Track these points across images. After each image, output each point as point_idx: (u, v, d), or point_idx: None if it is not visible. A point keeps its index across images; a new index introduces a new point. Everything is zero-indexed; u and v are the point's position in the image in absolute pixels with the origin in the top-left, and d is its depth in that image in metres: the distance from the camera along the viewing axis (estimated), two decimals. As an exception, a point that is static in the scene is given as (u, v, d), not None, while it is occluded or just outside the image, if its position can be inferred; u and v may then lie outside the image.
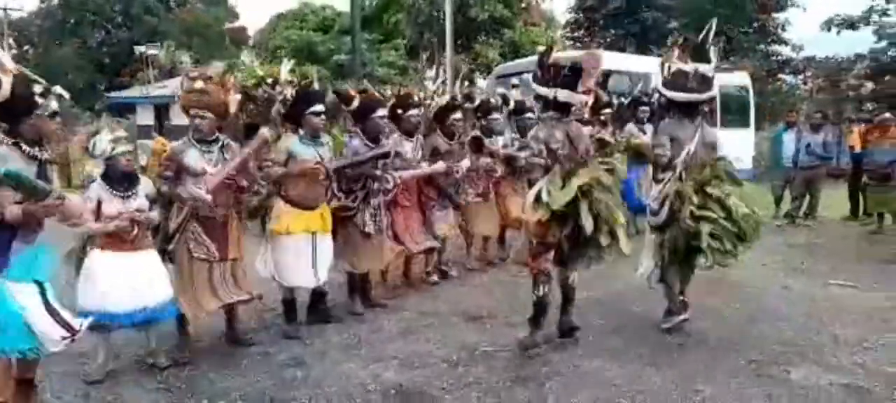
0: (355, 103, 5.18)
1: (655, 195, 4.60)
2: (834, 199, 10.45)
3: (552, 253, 4.17)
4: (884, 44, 18.85)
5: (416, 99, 5.91)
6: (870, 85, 18.80)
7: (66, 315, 3.24)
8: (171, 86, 21.09)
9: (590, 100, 4.68)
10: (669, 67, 4.62)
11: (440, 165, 5.81)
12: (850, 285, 5.98)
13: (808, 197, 9.72)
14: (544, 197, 3.90)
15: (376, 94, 5.72)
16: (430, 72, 20.61)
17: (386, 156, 5.16)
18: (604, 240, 4.01)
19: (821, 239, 8.42)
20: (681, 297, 4.70)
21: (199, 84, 4.07)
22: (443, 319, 5.06)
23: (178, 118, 19.97)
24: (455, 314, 5.19)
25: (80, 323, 3.28)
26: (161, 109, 20.91)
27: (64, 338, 3.16)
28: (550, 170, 3.99)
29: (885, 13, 18.70)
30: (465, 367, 4.04)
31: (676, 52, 4.64)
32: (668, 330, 4.60)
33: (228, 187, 4.17)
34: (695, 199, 4.31)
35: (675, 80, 4.57)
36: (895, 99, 14.81)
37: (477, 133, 5.94)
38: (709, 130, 4.70)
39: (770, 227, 9.44)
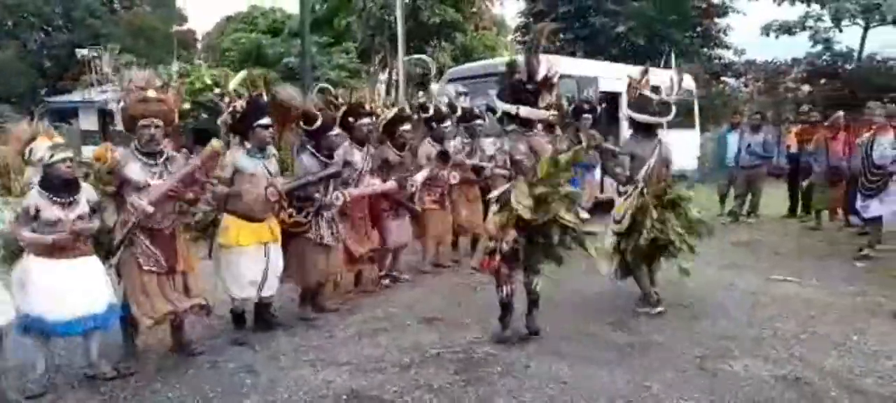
0: (317, 123, 5.08)
1: (618, 205, 5.15)
2: (774, 197, 10.83)
3: (512, 257, 4.29)
4: (819, 48, 19.62)
5: (368, 107, 5.88)
6: (806, 88, 19.56)
7: None
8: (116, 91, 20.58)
9: (550, 115, 4.79)
10: (635, 91, 5.23)
11: (390, 184, 5.81)
12: (791, 280, 6.21)
13: (749, 195, 10.04)
14: (513, 203, 4.08)
15: (333, 101, 5.68)
16: (383, 76, 20.51)
17: (337, 176, 5.14)
18: (557, 243, 4.24)
19: (762, 236, 8.70)
20: (655, 294, 5.18)
21: (152, 92, 3.97)
22: (395, 322, 5.06)
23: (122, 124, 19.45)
24: (407, 317, 5.19)
25: None
26: (105, 114, 20.29)
27: None
28: (513, 179, 4.21)
29: (819, 19, 19.46)
30: (417, 369, 4.05)
31: (645, 77, 5.25)
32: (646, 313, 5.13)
33: (173, 199, 4.08)
34: (655, 214, 4.87)
35: (640, 103, 5.18)
36: (830, 101, 15.41)
37: (443, 148, 6.36)
38: (666, 148, 5.22)
39: (714, 226, 9.74)
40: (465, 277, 6.62)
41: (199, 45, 34.23)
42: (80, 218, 3.75)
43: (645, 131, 5.19)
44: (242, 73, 5.10)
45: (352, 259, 5.58)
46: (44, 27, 34.70)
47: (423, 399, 3.62)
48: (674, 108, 5.21)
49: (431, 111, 6.80)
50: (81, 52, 22.44)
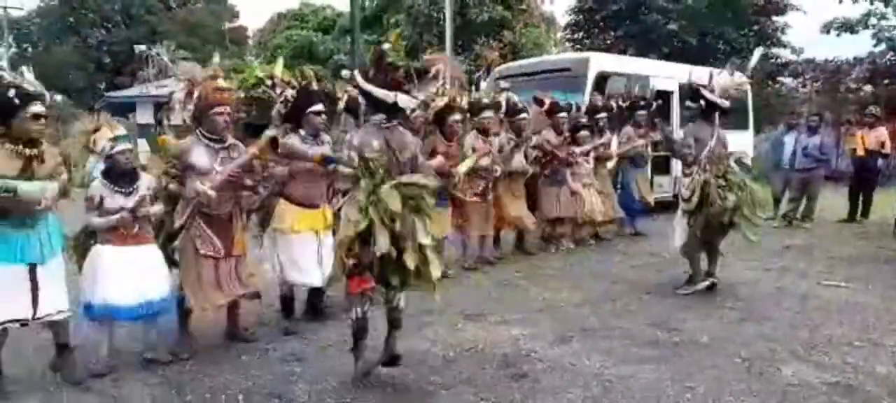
0: (341, 104, 5.20)
1: (686, 185, 5.60)
2: (831, 201, 10.52)
3: (368, 273, 3.59)
4: (882, 47, 18.91)
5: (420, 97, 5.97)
6: (868, 88, 18.87)
7: (48, 299, 3.57)
8: (173, 85, 21.21)
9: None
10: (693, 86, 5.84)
11: (437, 159, 5.86)
12: (844, 285, 6.04)
13: (805, 199, 9.77)
14: (343, 216, 3.58)
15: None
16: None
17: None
18: (410, 262, 3.42)
19: (816, 241, 8.47)
20: (710, 275, 5.68)
21: (223, 81, 4.16)
22: (439, 317, 5.11)
23: (177, 117, 20.06)
24: (451, 312, 5.24)
25: (51, 313, 3.61)
26: (161, 108, 20.95)
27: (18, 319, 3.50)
28: (362, 181, 3.53)
29: (883, 17, 18.76)
30: (461, 364, 4.10)
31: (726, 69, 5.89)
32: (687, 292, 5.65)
33: (233, 185, 4.24)
34: (722, 183, 5.41)
35: (697, 91, 5.72)
36: (893, 102, 14.84)
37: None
38: (722, 131, 5.70)
39: (767, 229, 9.53)
40: (508, 273, 6.67)
41: (250, 42, 34.99)
42: (140, 204, 3.93)
43: (704, 117, 5.68)
44: (280, 61, 5.21)
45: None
46: (104, 23, 36.02)
47: (467, 394, 3.66)
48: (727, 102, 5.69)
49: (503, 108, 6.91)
50: (139, 48, 23.29)
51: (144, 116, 20.46)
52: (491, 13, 20.58)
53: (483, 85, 8.76)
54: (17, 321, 3.55)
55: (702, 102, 5.67)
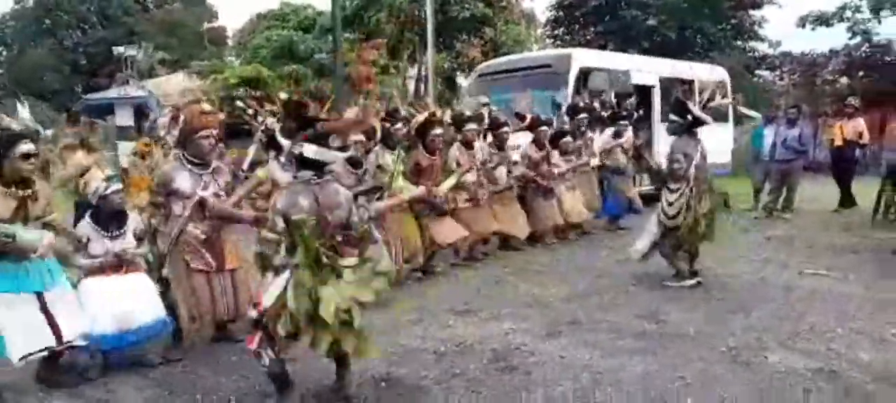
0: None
1: (672, 201, 5.59)
2: (810, 192, 10.69)
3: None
4: (857, 40, 19.22)
5: (402, 112, 6.04)
6: (844, 80, 19.18)
7: (67, 324, 3.65)
8: (151, 87, 20.99)
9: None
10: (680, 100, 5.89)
11: (420, 190, 5.92)
12: (825, 274, 6.16)
13: (785, 190, 9.93)
14: (289, 303, 3.12)
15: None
16: (412, 72, 20.63)
17: (377, 190, 5.25)
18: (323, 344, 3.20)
19: (797, 232, 8.61)
20: (694, 274, 5.78)
21: (207, 105, 4.19)
22: (429, 314, 5.15)
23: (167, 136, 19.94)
24: (441, 309, 5.28)
25: (76, 335, 3.68)
26: (141, 110, 20.76)
27: (46, 348, 3.59)
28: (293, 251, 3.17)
29: (857, 10, 19.07)
30: (453, 359, 4.13)
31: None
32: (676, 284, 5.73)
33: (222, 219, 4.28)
34: (701, 207, 5.56)
35: (683, 106, 5.75)
36: (867, 93, 15.10)
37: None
38: (703, 145, 5.73)
39: (749, 220, 9.68)
40: (496, 270, 6.72)
41: (229, 42, 34.71)
42: (125, 248, 3.97)
43: (688, 132, 5.70)
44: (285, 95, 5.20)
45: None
46: (80, 25, 35.55)
47: (459, 388, 3.69)
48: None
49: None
50: (118, 50, 23.08)
51: (124, 119, 20.27)
52: (472, 10, 20.60)
53: (465, 83, 8.82)
54: (44, 350, 3.57)
55: (689, 117, 5.69)
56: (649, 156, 8.20)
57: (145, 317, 3.96)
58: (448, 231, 6.35)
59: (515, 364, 4.02)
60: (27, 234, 3.50)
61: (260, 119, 4.90)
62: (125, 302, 3.89)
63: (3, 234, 3.41)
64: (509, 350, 4.27)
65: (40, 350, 3.58)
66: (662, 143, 10.24)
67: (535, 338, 4.48)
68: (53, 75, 32.28)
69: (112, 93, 22.69)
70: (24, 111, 3.72)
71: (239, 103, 5.20)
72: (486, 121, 7.34)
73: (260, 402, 3.62)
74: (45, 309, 3.60)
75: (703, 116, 5.72)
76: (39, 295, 3.60)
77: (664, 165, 5.87)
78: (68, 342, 3.66)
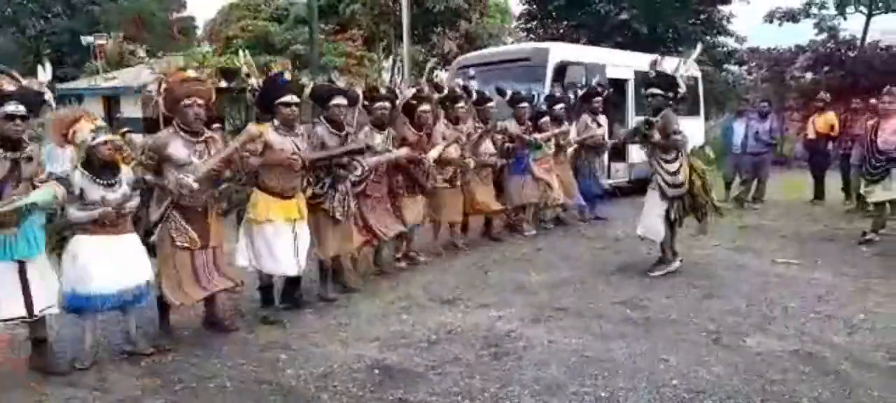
0: (306, 92, 5.19)
1: (672, 170, 5.72)
2: (780, 184, 11.00)
3: None
4: (823, 36, 19.71)
5: (384, 91, 6.04)
6: (809, 75, 19.64)
7: (40, 295, 3.66)
8: (122, 77, 20.60)
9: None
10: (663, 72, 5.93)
11: (404, 150, 5.97)
12: (795, 262, 6.38)
13: (755, 181, 10.21)
14: None
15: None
16: (387, 63, 20.56)
17: (360, 152, 5.29)
18: None
19: (768, 221, 8.87)
20: (676, 254, 5.98)
21: (191, 72, 4.16)
22: (416, 302, 5.23)
23: (130, 110, 19.49)
24: (427, 297, 5.37)
25: (45, 308, 3.71)
26: (110, 101, 20.43)
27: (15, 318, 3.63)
28: None
29: (823, 6, 19.55)
30: (444, 345, 4.22)
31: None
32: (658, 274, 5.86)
33: (212, 178, 4.24)
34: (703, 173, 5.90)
35: (668, 81, 5.85)
36: (832, 88, 15.50)
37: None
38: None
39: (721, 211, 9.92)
40: (477, 258, 6.82)
41: (199, 32, 34.19)
42: (122, 197, 3.91)
43: (673, 106, 5.87)
44: (245, 53, 5.20)
45: (375, 236, 5.80)
46: (44, 14, 34.67)
47: (453, 373, 3.77)
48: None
49: (444, 92, 6.96)
50: (87, 39, 22.56)
51: (93, 109, 19.91)
52: (448, 3, 20.64)
53: (444, 75, 8.86)
54: (13, 319, 3.56)
55: (679, 91, 5.82)
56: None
57: (136, 279, 3.99)
58: (413, 210, 6.39)
59: (506, 349, 4.12)
60: (41, 197, 3.56)
61: (253, 81, 4.92)
62: (119, 262, 3.91)
63: (25, 208, 3.48)
64: (499, 336, 4.37)
65: (6, 319, 3.62)
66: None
67: (522, 324, 4.59)
68: (16, 65, 31.46)
69: (82, 83, 22.25)
70: (43, 74, 3.70)
71: (239, 65, 5.15)
72: (473, 95, 7.41)
73: (256, 388, 3.67)
74: (24, 278, 3.62)
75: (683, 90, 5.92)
76: (21, 264, 3.60)
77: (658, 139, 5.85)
78: (36, 316, 3.68)
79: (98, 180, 3.87)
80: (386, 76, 6.70)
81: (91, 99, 20.24)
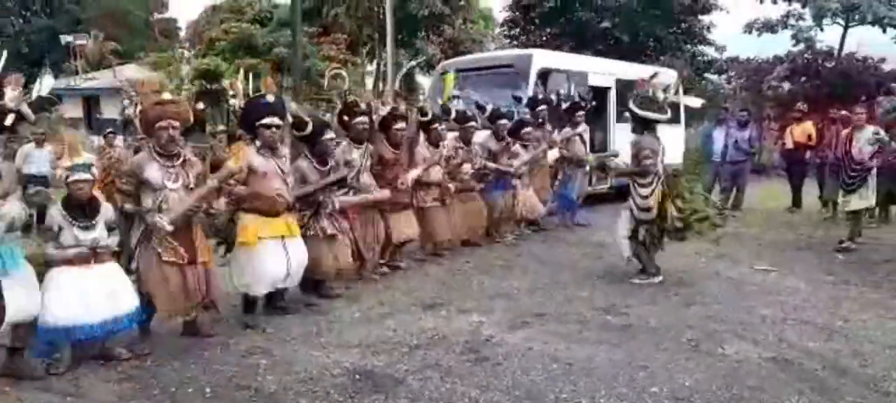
0: (308, 129, 5.25)
1: (644, 195, 5.73)
2: (758, 192, 11.14)
3: None
4: (800, 47, 20.02)
5: (363, 106, 6.05)
6: (787, 85, 19.92)
7: (10, 306, 3.56)
8: (102, 79, 20.38)
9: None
10: (643, 92, 5.93)
11: (383, 193, 5.99)
12: (773, 270, 6.46)
13: (735, 190, 10.34)
14: None
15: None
16: (371, 67, 20.60)
17: (343, 182, 5.30)
18: None
19: (746, 229, 8.97)
20: (657, 269, 5.94)
21: (167, 95, 4.14)
22: (398, 308, 5.22)
23: (109, 111, 19.27)
24: (410, 303, 5.36)
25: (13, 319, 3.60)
26: (90, 102, 20.21)
27: None
28: None
29: (801, 18, 19.85)
30: (425, 351, 4.21)
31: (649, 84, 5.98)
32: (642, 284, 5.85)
33: (188, 217, 4.23)
34: (678, 203, 5.74)
35: (648, 102, 5.87)
36: (809, 98, 15.73)
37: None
38: (663, 143, 5.92)
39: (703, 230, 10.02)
40: (459, 264, 6.83)
41: (181, 34, 33.94)
42: (92, 242, 3.87)
43: (651, 128, 5.86)
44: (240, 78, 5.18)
45: (360, 254, 5.84)
46: (22, 12, 34.24)
47: (434, 378, 3.77)
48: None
49: (429, 116, 6.95)
50: (66, 39, 22.32)
51: (72, 111, 19.68)
52: (431, 8, 20.69)
53: (426, 81, 8.90)
54: None
55: (659, 116, 5.85)
56: (611, 166, 8.28)
57: (119, 309, 3.91)
58: (404, 226, 6.41)
59: (486, 354, 4.13)
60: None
61: (235, 101, 4.89)
62: (98, 294, 3.83)
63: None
64: (480, 341, 4.38)
65: None
66: (618, 143, 10.54)
67: (503, 330, 4.60)
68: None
69: (61, 83, 21.95)
70: (46, 81, 3.65)
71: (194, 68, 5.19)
72: (454, 114, 7.43)
73: (235, 394, 3.63)
74: None
75: (663, 117, 5.90)
76: None
77: (631, 163, 5.99)
78: (10, 323, 3.61)
79: (75, 222, 3.83)
80: (369, 81, 6.73)
81: (69, 101, 19.98)
